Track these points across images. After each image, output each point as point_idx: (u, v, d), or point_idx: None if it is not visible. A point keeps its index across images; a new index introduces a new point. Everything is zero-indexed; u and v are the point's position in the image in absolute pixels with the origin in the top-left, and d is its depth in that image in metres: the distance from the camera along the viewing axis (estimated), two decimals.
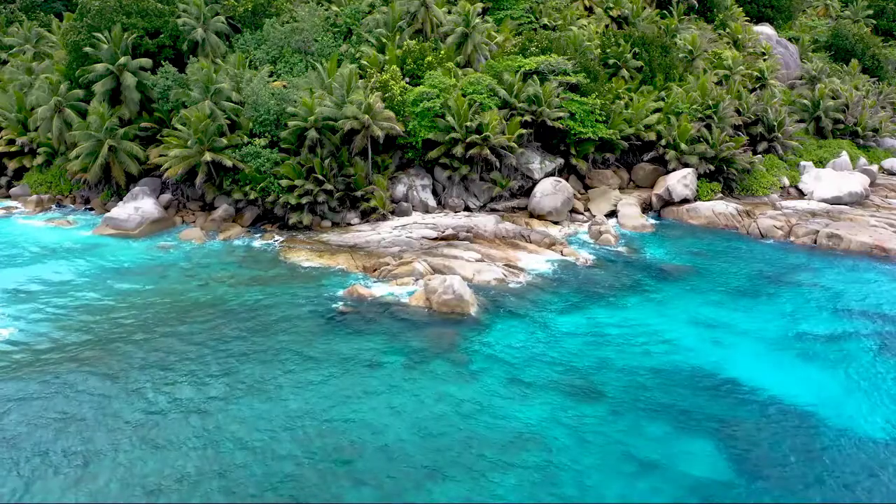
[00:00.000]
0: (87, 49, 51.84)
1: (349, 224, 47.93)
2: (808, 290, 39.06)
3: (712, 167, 54.69)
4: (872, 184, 59.80)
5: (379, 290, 37.27)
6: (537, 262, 41.82)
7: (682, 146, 54.21)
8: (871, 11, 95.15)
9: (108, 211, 48.60)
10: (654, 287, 39.17)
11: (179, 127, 48.89)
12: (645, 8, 72.97)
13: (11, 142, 55.99)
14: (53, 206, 53.03)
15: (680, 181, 52.97)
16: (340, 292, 36.84)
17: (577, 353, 31.19)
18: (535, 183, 52.13)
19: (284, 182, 46.94)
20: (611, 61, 59.98)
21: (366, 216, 48.62)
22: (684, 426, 25.88)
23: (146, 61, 52.54)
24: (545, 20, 66.41)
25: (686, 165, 54.21)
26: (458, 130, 49.30)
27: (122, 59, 51.02)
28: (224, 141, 47.80)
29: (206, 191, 50.23)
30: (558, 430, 25.36)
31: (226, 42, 57.70)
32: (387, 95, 50.09)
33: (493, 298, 36.54)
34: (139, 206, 48.00)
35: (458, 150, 49.29)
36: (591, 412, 26.61)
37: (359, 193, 48.19)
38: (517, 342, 32.04)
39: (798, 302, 37.44)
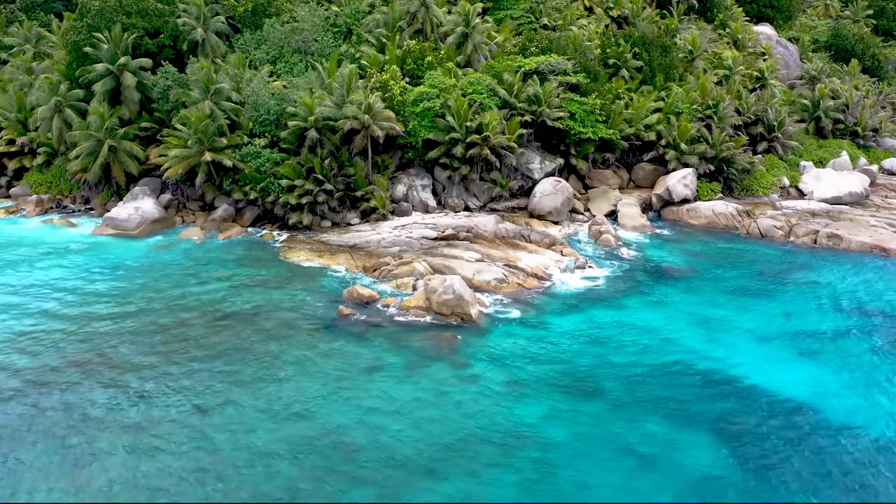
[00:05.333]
0: (87, 49, 51.86)
1: (349, 224, 47.93)
2: (807, 289, 39.06)
3: (712, 167, 54.71)
4: (872, 184, 59.83)
5: (379, 289, 37.26)
6: (537, 262, 41.79)
7: (682, 146, 54.21)
8: (871, 11, 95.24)
9: (108, 211, 48.59)
10: (653, 287, 39.18)
11: (179, 127, 48.91)
12: (645, 8, 73.00)
13: (11, 142, 55.98)
14: (53, 206, 53.00)
15: (680, 181, 52.99)
16: (340, 292, 36.82)
17: (577, 353, 31.21)
18: (535, 183, 52.14)
19: (284, 182, 46.95)
20: (611, 61, 59.98)
21: (366, 216, 48.61)
22: (685, 424, 25.87)
23: (146, 61, 52.56)
24: (545, 20, 66.44)
25: (686, 165, 54.21)
26: (458, 130, 49.30)
27: (122, 59, 51.04)
28: (224, 141, 47.82)
29: (206, 191, 50.25)
30: (558, 429, 25.36)
31: (226, 42, 57.72)
32: (387, 95, 50.09)
33: (493, 298, 36.55)
34: (139, 206, 48.01)
35: (458, 150, 49.30)
36: (590, 410, 26.62)
37: (359, 193, 48.19)
38: (517, 342, 32.04)
39: (798, 301, 37.45)
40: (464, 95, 50.95)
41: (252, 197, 48.11)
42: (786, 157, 60.08)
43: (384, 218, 48.31)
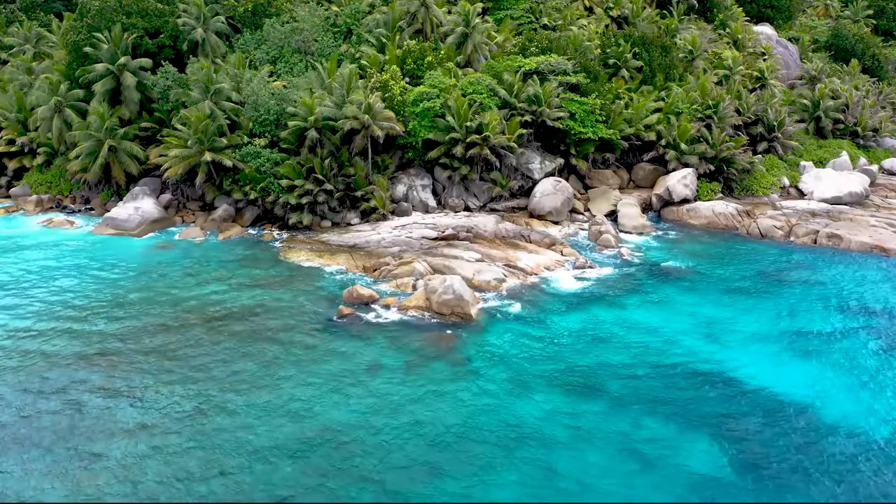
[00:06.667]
0: (87, 49, 51.86)
1: (349, 224, 47.93)
2: (807, 289, 39.07)
3: (712, 167, 54.70)
4: (872, 184, 59.83)
5: (379, 289, 37.26)
6: (537, 262, 41.80)
7: (682, 146, 54.21)
8: (871, 11, 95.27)
9: (108, 211, 48.64)
10: (654, 286, 39.17)
11: (179, 127, 48.91)
12: (645, 8, 73.01)
13: (11, 142, 55.97)
14: (53, 206, 52.98)
15: (680, 181, 52.98)
16: (340, 292, 36.82)
17: (577, 352, 31.21)
18: (535, 183, 52.14)
19: (284, 182, 46.95)
20: (611, 61, 59.98)
21: (366, 216, 48.62)
22: (685, 424, 25.86)
23: (146, 61, 52.56)
24: (545, 20, 66.45)
25: (686, 165, 54.22)
26: (458, 130, 49.30)
27: (122, 59, 51.04)
28: (224, 141, 47.82)
29: (206, 191, 50.26)
30: (558, 428, 25.36)
31: (226, 42, 57.72)
32: (387, 95, 50.10)
33: (493, 298, 36.56)
34: (139, 205, 48.02)
35: (458, 150, 49.30)
36: (591, 409, 26.61)
37: (359, 193, 48.19)
38: (517, 341, 32.04)
39: (798, 301, 37.46)
40: (464, 95, 50.95)
41: (252, 197, 48.12)
42: (786, 157, 60.08)
43: (384, 218, 48.30)
